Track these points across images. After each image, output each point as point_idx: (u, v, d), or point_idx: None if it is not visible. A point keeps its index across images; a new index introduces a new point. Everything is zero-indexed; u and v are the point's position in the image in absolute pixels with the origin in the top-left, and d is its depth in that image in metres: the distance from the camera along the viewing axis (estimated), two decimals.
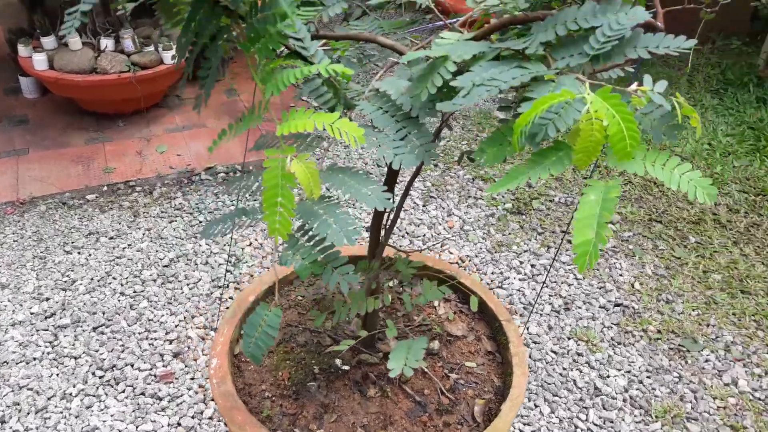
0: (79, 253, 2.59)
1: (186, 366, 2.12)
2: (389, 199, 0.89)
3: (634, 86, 0.72)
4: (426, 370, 1.16)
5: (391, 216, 1.18)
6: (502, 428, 1.03)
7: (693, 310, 2.49)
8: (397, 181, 2.36)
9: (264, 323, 0.96)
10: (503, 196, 3.11)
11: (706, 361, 2.27)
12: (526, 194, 3.13)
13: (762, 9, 4.17)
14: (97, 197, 2.94)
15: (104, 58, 3.23)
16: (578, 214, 0.67)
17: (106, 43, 3.28)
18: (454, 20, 1.07)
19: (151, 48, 3.37)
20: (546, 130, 0.68)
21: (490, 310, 1.30)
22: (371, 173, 3.14)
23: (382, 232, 1.18)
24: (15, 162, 3.13)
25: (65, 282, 2.44)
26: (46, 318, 2.27)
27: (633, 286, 2.60)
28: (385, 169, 2.95)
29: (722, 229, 2.98)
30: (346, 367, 1.15)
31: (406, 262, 1.13)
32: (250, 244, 2.69)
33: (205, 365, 2.11)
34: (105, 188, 3.00)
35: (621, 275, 2.66)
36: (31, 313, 2.29)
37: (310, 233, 0.97)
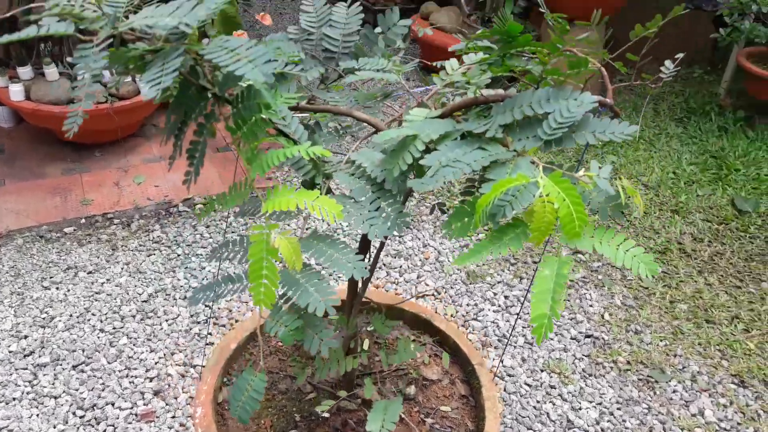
0: (57, 288, 2.59)
1: (167, 404, 2.13)
2: (366, 268, 0.94)
3: (582, 172, 0.79)
4: (403, 416, 1.21)
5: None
6: None
7: (660, 340, 2.58)
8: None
9: (250, 388, 1.01)
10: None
11: (674, 391, 2.35)
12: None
13: (721, 40, 4.35)
14: (75, 230, 2.94)
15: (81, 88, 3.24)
16: (534, 289, 0.73)
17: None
18: (420, 90, 1.14)
19: (129, 78, 3.40)
20: (504, 210, 0.75)
21: (463, 353, 1.36)
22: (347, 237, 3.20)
23: (359, 283, 1.24)
24: None
25: (44, 319, 2.44)
26: (24, 356, 2.27)
27: (603, 317, 2.69)
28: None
29: (687, 259, 3.09)
30: (326, 415, 1.20)
31: (381, 320, 1.19)
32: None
33: (187, 403, 2.13)
34: (83, 221, 3.00)
35: (591, 306, 2.75)
36: (10, 352, 2.29)
37: (292, 301, 1.02)
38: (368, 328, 1.44)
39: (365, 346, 1.22)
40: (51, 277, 2.64)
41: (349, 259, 0.93)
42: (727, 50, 4.72)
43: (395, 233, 0.89)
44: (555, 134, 0.83)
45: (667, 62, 1.02)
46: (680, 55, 1.24)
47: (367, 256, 1.23)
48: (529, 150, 0.84)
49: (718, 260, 3.10)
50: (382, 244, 1.16)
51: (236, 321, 2.48)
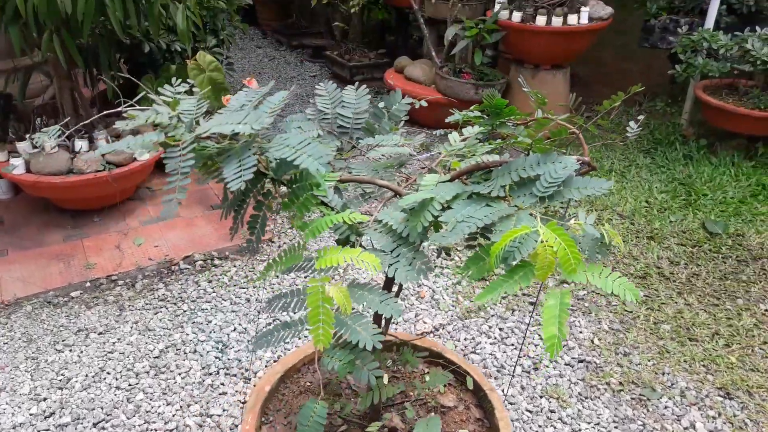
0: (70, 350, 2.68)
1: None
2: (402, 308, 1.09)
3: (572, 221, 0.96)
4: None
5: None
6: None
7: (648, 360, 2.74)
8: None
9: (314, 414, 1.14)
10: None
11: (665, 407, 2.50)
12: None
13: (678, 76, 4.66)
14: (81, 294, 3.04)
15: (80, 159, 3.39)
16: (544, 316, 0.89)
17: (81, 144, 3.45)
18: (425, 156, 1.32)
19: None
20: (513, 255, 0.91)
21: (475, 381, 1.50)
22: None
23: (382, 323, 1.38)
24: None
25: (60, 380, 2.52)
26: (45, 418, 2.35)
27: (593, 341, 2.84)
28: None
29: (666, 281, 3.28)
30: None
31: (410, 353, 1.33)
32: (234, 329, 2.83)
33: None
34: (88, 284, 3.10)
35: (581, 332, 2.90)
36: (31, 414, 2.36)
37: (343, 339, 1.16)
38: (386, 365, 1.57)
39: (385, 380, 1.36)
40: (63, 340, 2.73)
41: (387, 302, 1.08)
42: (684, 84, 5.03)
43: (422, 279, 1.04)
44: (547, 191, 1.00)
45: (632, 123, 1.20)
46: (641, 117, 1.43)
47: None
48: (527, 205, 1.01)
49: (695, 281, 3.29)
50: (401, 287, 1.31)
51: (246, 370, 2.59)
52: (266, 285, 3.14)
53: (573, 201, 1.06)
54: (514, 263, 0.93)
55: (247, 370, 2.59)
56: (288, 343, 2.66)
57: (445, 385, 1.50)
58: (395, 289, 1.34)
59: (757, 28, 4.42)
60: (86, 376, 2.55)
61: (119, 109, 1.31)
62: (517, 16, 4.49)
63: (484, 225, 0.97)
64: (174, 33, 3.96)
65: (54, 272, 3.18)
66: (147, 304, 2.98)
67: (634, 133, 1.18)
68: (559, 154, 1.05)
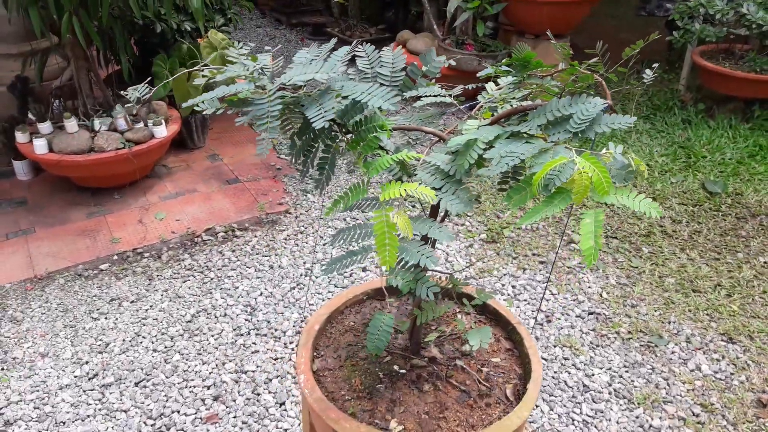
0: (106, 318, 2.81)
1: (227, 407, 2.37)
2: (452, 234, 1.22)
3: (604, 150, 1.09)
4: (464, 366, 1.49)
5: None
6: (531, 402, 1.37)
7: (655, 311, 2.88)
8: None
9: (383, 324, 1.28)
10: (477, 228, 3.49)
11: (672, 352, 2.65)
12: (497, 224, 3.51)
13: (675, 42, 4.76)
14: (110, 266, 3.17)
15: (100, 137, 3.50)
16: (581, 231, 1.02)
17: (100, 123, 3.56)
18: (465, 106, 1.44)
19: (141, 124, 3.66)
20: (554, 181, 1.04)
21: (503, 317, 1.64)
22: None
23: None
24: (25, 241, 3.34)
25: (99, 345, 2.66)
26: (89, 379, 2.49)
27: (601, 295, 2.99)
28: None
29: (669, 239, 3.42)
30: (403, 371, 1.47)
31: (434, 305, 1.46)
32: (261, 293, 2.97)
33: (245, 404, 2.37)
34: (115, 257, 3.23)
35: (590, 287, 3.05)
36: (75, 377, 2.50)
37: (405, 262, 1.28)
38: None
39: (449, 308, 1.50)
40: (98, 309, 2.87)
41: (440, 228, 1.22)
42: (681, 50, 5.14)
43: (467, 209, 1.17)
44: (580, 127, 1.13)
45: (647, 70, 1.32)
46: (656, 65, 1.55)
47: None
48: (561, 141, 1.14)
49: (696, 238, 3.43)
50: (444, 217, 1.42)
51: (275, 330, 2.73)
52: (287, 254, 3.27)
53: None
54: (553, 190, 1.06)
55: (276, 330, 2.74)
56: (266, 313, 2.80)
57: (475, 323, 1.63)
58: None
59: None
60: (123, 341, 2.69)
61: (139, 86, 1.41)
62: None
63: (525, 158, 1.10)
64: (184, 13, 4.05)
65: (81, 247, 3.30)
66: (175, 273, 3.11)
67: (650, 78, 1.30)
68: (588, 96, 1.17)
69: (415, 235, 1.24)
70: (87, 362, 2.58)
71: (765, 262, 3.23)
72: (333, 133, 1.24)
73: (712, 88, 4.77)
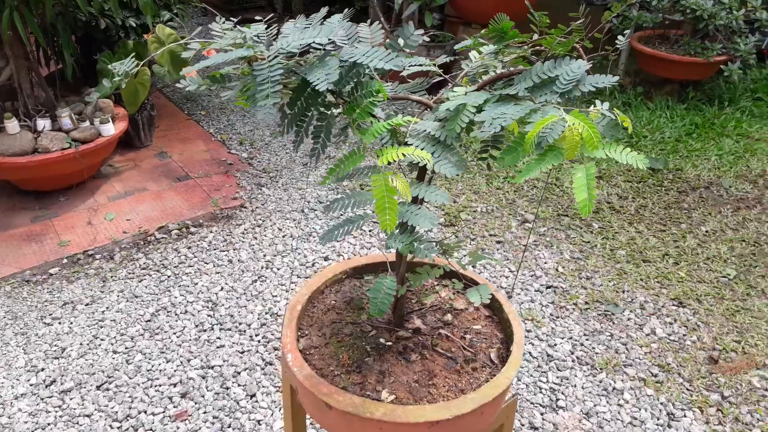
0: (59, 323, 2.71)
1: (196, 403, 2.33)
2: (448, 196, 1.25)
3: (592, 108, 1.13)
4: (449, 334, 1.51)
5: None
6: (516, 362, 1.40)
7: (609, 281, 2.99)
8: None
9: (385, 287, 1.28)
10: (435, 213, 3.53)
11: (628, 319, 2.75)
12: (454, 208, 3.56)
13: (615, 28, 4.93)
14: (59, 270, 3.06)
15: (44, 138, 3.36)
16: (574, 185, 1.05)
17: (44, 123, 3.42)
18: (449, 76, 1.46)
19: (87, 123, 3.54)
20: (546, 138, 1.07)
21: (480, 284, 1.67)
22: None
23: None
24: None
25: (55, 351, 2.56)
26: (47, 386, 2.40)
27: (557, 270, 3.07)
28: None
29: (618, 214, 3.55)
30: (390, 343, 1.48)
31: (428, 270, 1.48)
32: (221, 288, 2.92)
33: (215, 399, 2.33)
34: (65, 261, 3.12)
35: (546, 263, 3.13)
36: (31, 385, 2.41)
37: (405, 224, 1.29)
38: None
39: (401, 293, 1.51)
40: (50, 314, 2.76)
41: (435, 191, 1.23)
42: (616, 36, 5.31)
43: (459, 172, 1.18)
44: (567, 87, 1.16)
45: (620, 36, 1.37)
46: (628, 32, 1.61)
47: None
48: (550, 101, 1.17)
49: (642, 212, 3.57)
50: (430, 181, 1.43)
51: (240, 323, 2.69)
52: (246, 248, 3.23)
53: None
54: (544, 148, 1.09)
55: (241, 324, 2.70)
56: (229, 308, 2.78)
57: (454, 294, 1.66)
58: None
59: None
60: (80, 344, 2.60)
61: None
62: None
63: (516, 118, 1.12)
64: (128, 9, 3.94)
65: (27, 252, 3.17)
66: (129, 273, 3.03)
67: (623, 44, 1.35)
68: (571, 58, 1.21)
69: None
70: (43, 369, 2.48)
71: (706, 231, 3.39)
72: (326, 101, 1.23)
73: (650, 72, 4.96)
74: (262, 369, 2.48)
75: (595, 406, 2.31)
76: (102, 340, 2.62)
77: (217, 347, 2.58)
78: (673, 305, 2.83)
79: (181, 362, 2.51)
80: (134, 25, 4.00)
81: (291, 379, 1.41)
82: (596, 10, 6.21)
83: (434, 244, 1.33)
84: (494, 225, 3.43)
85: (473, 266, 1.59)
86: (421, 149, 1.16)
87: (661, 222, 3.47)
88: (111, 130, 3.57)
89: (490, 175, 3.92)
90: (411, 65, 1.34)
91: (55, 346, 2.59)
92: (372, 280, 1.71)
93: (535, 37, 1.37)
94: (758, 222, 3.47)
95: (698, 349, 2.57)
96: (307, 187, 3.80)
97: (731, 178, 3.92)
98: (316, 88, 1.10)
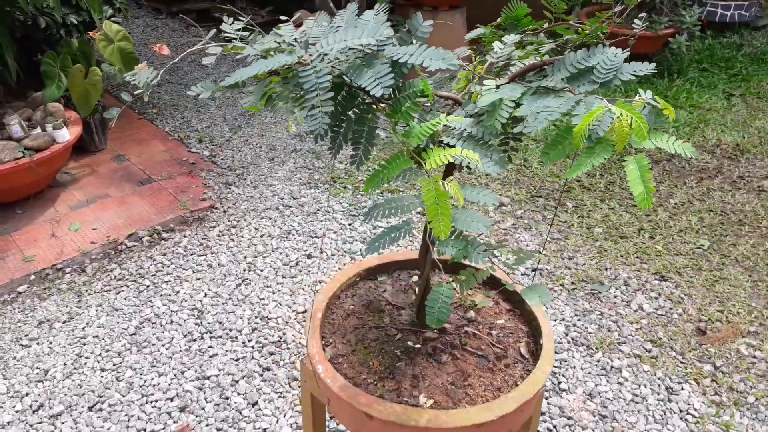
0: (38, 343, 2.57)
1: (197, 416, 2.25)
2: (496, 198, 1.22)
3: (637, 97, 1.12)
4: (475, 331, 1.50)
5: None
6: (550, 355, 1.40)
7: (591, 260, 3.04)
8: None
9: (442, 296, 1.24)
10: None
11: (615, 296, 2.81)
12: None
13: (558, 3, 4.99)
14: (28, 287, 2.89)
15: None
16: (629, 178, 1.05)
17: None
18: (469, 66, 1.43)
19: (39, 130, 3.35)
20: (596, 131, 1.05)
21: (496, 278, 1.66)
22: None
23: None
24: None
25: (38, 374, 2.43)
26: (34, 411, 2.27)
27: (541, 252, 3.11)
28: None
29: (588, 192, 3.61)
30: (418, 346, 1.45)
31: (474, 272, 1.45)
32: (205, 294, 2.83)
33: (216, 410, 2.26)
34: (32, 277, 2.95)
35: (527, 245, 3.16)
36: (17, 411, 2.27)
37: (456, 229, 1.26)
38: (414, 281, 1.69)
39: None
40: (26, 335, 2.61)
41: (485, 193, 1.20)
42: (569, 13, 5.39)
43: (502, 170, 1.16)
44: (606, 77, 1.15)
45: (636, 20, 1.37)
46: (644, 15, 1.61)
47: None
48: (590, 92, 1.15)
49: (612, 188, 3.65)
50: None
51: (230, 330, 2.61)
52: (224, 250, 3.14)
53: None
54: (595, 140, 1.07)
55: (231, 330, 2.62)
56: (217, 314, 2.72)
57: (472, 289, 1.64)
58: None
59: None
60: (64, 364, 2.47)
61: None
62: None
63: (562, 111, 1.10)
64: (68, 5, 3.72)
65: None
66: (105, 285, 2.89)
67: (641, 27, 1.35)
68: (605, 46, 1.20)
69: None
70: (27, 394, 2.35)
71: (675, 204, 3.49)
72: (366, 102, 1.18)
73: None
74: (261, 375, 2.41)
75: (596, 386, 2.36)
76: (87, 358, 2.50)
77: (210, 356, 2.50)
78: (656, 279, 2.91)
79: (175, 375, 2.42)
80: (75, 22, 3.79)
81: (324, 390, 1.37)
82: None
83: (485, 247, 1.30)
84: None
85: (516, 267, 1.57)
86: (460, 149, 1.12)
87: (631, 197, 3.56)
88: (66, 135, 3.39)
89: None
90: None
91: (37, 368, 2.46)
92: (386, 281, 1.68)
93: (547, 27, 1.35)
94: (721, 191, 3.60)
95: (685, 322, 2.65)
96: (278, 183, 3.72)
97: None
98: (372, 93, 1.05)
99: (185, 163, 3.98)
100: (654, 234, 3.23)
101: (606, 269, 2.98)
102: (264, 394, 2.34)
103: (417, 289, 1.66)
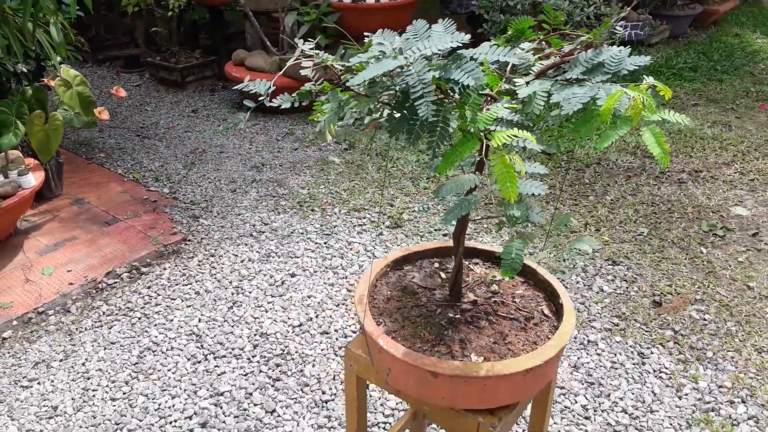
0: (39, 383, 2.57)
1: (219, 430, 2.34)
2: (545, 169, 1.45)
3: (644, 82, 1.41)
4: (502, 300, 1.73)
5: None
6: (571, 311, 1.65)
7: (549, 253, 3.36)
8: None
9: (514, 249, 1.44)
10: (379, 219, 3.73)
11: (577, 283, 3.13)
12: (395, 210, 3.78)
13: (485, 33, 5.43)
14: (13, 333, 2.87)
15: None
16: (648, 143, 1.31)
17: None
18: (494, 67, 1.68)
19: (1, 178, 3.34)
20: (619, 109, 1.33)
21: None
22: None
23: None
24: None
25: (46, 411, 2.44)
26: None
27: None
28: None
29: (533, 197, 3.96)
30: (458, 317, 1.66)
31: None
32: (200, 320, 2.91)
33: (237, 422, 2.36)
34: (14, 323, 2.93)
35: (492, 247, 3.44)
36: None
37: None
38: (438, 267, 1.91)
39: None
40: (24, 377, 2.60)
41: (534, 166, 1.44)
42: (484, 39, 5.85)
43: (552, 150, 1.41)
44: (616, 69, 1.43)
45: (618, 27, 1.66)
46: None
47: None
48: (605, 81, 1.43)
49: (554, 191, 4.02)
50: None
51: (233, 349, 2.71)
52: (208, 277, 3.22)
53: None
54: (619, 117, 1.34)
55: (233, 349, 2.72)
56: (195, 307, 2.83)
57: (487, 268, 1.88)
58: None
59: None
60: (72, 399, 2.49)
61: None
62: None
63: (592, 95, 1.36)
64: (16, 55, 3.73)
65: None
66: (96, 321, 2.92)
67: (623, 33, 1.64)
68: (607, 45, 1.48)
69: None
70: (41, 431, 2.35)
71: (611, 200, 3.90)
72: (438, 98, 1.39)
73: None
74: (273, 386, 2.53)
75: (579, 359, 2.64)
76: (94, 390, 2.53)
77: (219, 374, 2.59)
78: (609, 265, 3.26)
79: (188, 395, 2.49)
80: (25, 71, 3.81)
81: (386, 362, 1.55)
82: (458, 18, 6.75)
83: (539, 210, 1.54)
84: (435, 220, 3.70)
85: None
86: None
87: (572, 197, 3.94)
88: (32, 181, 3.39)
89: (415, 177, 4.19)
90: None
91: (45, 406, 2.46)
92: (412, 269, 1.89)
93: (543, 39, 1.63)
94: (648, 186, 4.05)
95: (642, 297, 3.00)
96: (246, 212, 3.84)
97: (615, 153, 4.50)
98: (464, 84, 1.27)
99: (147, 201, 4.02)
100: (599, 227, 3.60)
101: (564, 261, 3.31)
102: (280, 401, 2.45)
103: (442, 273, 1.88)
